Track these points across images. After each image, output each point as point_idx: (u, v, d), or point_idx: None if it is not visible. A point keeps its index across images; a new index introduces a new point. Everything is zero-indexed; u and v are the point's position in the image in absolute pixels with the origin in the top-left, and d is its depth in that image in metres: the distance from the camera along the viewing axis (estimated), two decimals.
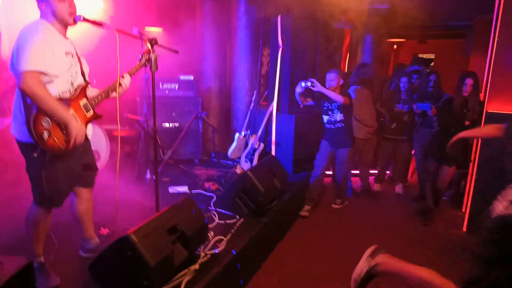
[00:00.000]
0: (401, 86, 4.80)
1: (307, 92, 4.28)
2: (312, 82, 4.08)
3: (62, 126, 2.24)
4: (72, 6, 2.32)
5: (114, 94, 2.59)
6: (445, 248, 3.75)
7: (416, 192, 5.03)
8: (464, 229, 4.11)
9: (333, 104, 4.22)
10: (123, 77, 2.61)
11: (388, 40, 11.00)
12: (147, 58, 2.69)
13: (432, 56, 13.00)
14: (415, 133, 4.87)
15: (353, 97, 4.69)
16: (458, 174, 4.66)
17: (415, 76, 4.95)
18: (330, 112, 4.28)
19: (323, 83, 4.16)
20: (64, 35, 2.37)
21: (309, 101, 4.40)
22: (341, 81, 4.23)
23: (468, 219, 4.08)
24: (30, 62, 2.09)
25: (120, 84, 2.58)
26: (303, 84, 4.14)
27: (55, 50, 2.21)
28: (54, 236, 2.75)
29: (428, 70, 5.40)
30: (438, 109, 4.26)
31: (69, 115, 2.26)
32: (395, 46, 12.06)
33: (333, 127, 4.30)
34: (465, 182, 4.63)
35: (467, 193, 4.36)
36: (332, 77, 4.18)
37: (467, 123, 3.99)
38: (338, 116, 4.23)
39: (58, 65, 2.24)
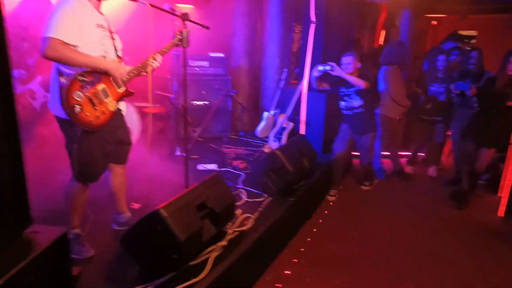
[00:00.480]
0: (438, 65, 4.56)
1: (325, 76, 4.12)
2: (331, 66, 3.91)
3: (94, 100, 2.28)
4: None
5: (144, 73, 2.60)
6: (480, 232, 3.62)
7: (451, 175, 4.85)
8: (501, 214, 3.95)
9: (350, 89, 4.05)
10: (154, 58, 2.60)
11: (426, 15, 10.47)
12: (179, 37, 2.69)
13: (474, 33, 12.29)
14: (454, 114, 4.65)
15: (383, 76, 4.53)
16: (496, 157, 4.44)
17: (455, 53, 4.69)
18: (346, 98, 4.14)
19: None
20: (98, 9, 2.39)
21: (326, 86, 4.24)
22: (359, 65, 4.04)
23: (506, 204, 3.91)
24: (55, 30, 2.11)
25: (152, 62, 2.58)
26: (320, 67, 3.97)
27: (84, 22, 2.23)
28: (90, 209, 2.85)
29: (467, 47, 5.09)
30: (478, 89, 4.03)
31: (104, 61, 2.32)
32: (434, 22, 11.48)
33: (351, 113, 4.17)
34: (503, 165, 4.42)
35: (503, 177, 4.16)
36: (348, 61, 4.00)
37: (509, 103, 3.76)
38: (356, 102, 4.08)
39: (87, 37, 2.25)
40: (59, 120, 2.34)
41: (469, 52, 4.52)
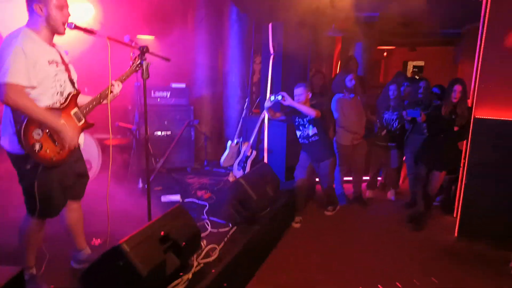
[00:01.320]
0: (389, 94, 4.84)
1: (279, 106, 4.21)
2: (282, 96, 3.98)
3: (54, 136, 2.23)
4: (67, 15, 2.30)
5: (105, 101, 2.55)
6: (437, 253, 3.78)
7: (407, 198, 5.07)
8: (456, 234, 4.14)
9: (304, 119, 4.19)
10: (112, 85, 2.57)
11: (378, 47, 11.13)
12: (137, 63, 2.65)
13: (422, 63, 13.19)
14: (406, 140, 4.91)
15: (335, 105, 4.71)
16: (448, 179, 4.71)
17: (405, 84, 5.01)
18: (301, 127, 4.27)
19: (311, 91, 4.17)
20: (50, 43, 2.32)
21: (279, 116, 4.32)
22: (310, 94, 4.17)
23: (459, 224, 4.12)
24: (10, 74, 2.04)
25: (111, 91, 2.55)
26: (272, 98, 4.02)
27: (36, 60, 2.15)
28: (45, 247, 2.72)
29: (416, 77, 5.47)
30: (427, 115, 4.32)
31: (59, 123, 2.26)
32: (385, 54, 12.20)
33: (307, 142, 4.29)
34: (455, 187, 4.69)
35: (457, 198, 4.40)
36: (300, 92, 4.11)
37: (456, 128, 4.05)
38: (311, 130, 4.21)
39: (41, 75, 2.19)
40: (12, 156, 2.27)
41: (417, 82, 4.86)
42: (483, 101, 3.91)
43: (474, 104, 3.96)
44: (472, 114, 3.95)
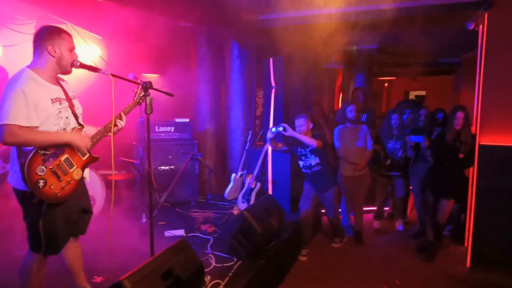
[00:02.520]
0: (392, 123, 4.85)
1: (280, 137, 4.25)
2: (284, 127, 4.02)
3: (58, 172, 2.24)
4: (76, 56, 2.38)
5: (110, 134, 2.57)
6: (450, 285, 3.64)
7: (416, 228, 4.95)
8: (468, 264, 4.01)
9: (306, 149, 4.20)
10: (119, 118, 2.60)
11: (379, 78, 11.31)
12: (140, 96, 2.68)
13: (423, 93, 13.34)
14: (410, 168, 4.86)
15: (335, 136, 4.71)
16: (457, 207, 4.62)
17: (407, 111, 5.02)
18: (303, 157, 4.26)
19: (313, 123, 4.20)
20: (53, 81, 2.36)
21: (282, 147, 4.34)
22: (311, 125, 4.20)
23: (471, 254, 4.00)
24: (9, 116, 2.08)
25: (116, 125, 2.57)
26: (273, 129, 4.07)
27: (37, 101, 2.18)
28: (45, 286, 2.66)
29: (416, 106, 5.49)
30: (431, 143, 4.30)
31: (66, 134, 2.29)
32: (386, 84, 12.36)
33: (310, 172, 4.27)
34: (465, 216, 4.58)
35: (467, 227, 4.30)
36: (301, 123, 4.16)
37: (461, 156, 4.01)
38: (313, 160, 4.21)
39: (43, 116, 2.22)
40: (18, 192, 2.27)
41: (418, 110, 4.88)
42: (487, 128, 3.90)
43: (478, 131, 3.95)
44: (477, 141, 3.93)
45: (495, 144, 3.82)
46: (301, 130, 4.14)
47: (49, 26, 2.34)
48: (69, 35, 2.37)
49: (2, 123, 2.07)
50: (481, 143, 3.89)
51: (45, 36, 2.28)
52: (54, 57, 2.29)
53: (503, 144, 3.80)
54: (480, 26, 4.02)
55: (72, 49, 2.36)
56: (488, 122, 3.90)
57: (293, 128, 4.12)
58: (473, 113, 4.15)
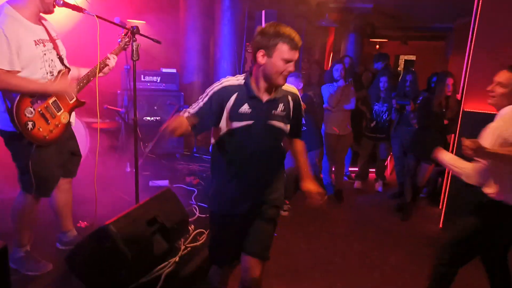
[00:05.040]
0: (380, 85, 4.85)
1: None
2: None
3: (46, 115, 2.19)
4: None
5: (102, 73, 2.53)
6: (421, 242, 3.84)
7: (394, 189, 5.12)
8: (441, 225, 4.21)
9: None
10: (108, 58, 2.52)
11: (371, 40, 11.16)
12: (126, 41, 2.62)
13: (413, 57, 13.29)
14: (393, 131, 4.93)
15: (322, 94, 4.73)
16: (435, 171, 4.77)
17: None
18: None
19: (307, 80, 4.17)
20: (35, 21, 2.23)
21: None
22: (301, 85, 4.16)
23: (444, 216, 4.19)
24: None
25: (106, 64, 2.51)
26: None
27: (20, 43, 2.08)
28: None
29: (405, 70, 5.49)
30: (417, 108, 4.34)
31: (51, 84, 2.23)
32: (377, 46, 12.24)
33: None
34: (442, 180, 4.75)
35: (443, 191, 4.47)
36: (290, 82, 4.12)
37: (446, 121, 4.08)
38: None
39: (27, 58, 2.13)
40: (5, 133, 2.22)
41: (405, 75, 4.87)
42: (472, 95, 3.95)
43: (463, 97, 4.00)
44: (461, 107, 3.99)
45: (478, 111, 3.89)
46: None
47: None
48: None
49: None
50: (465, 110, 3.95)
51: None
52: None
53: (486, 111, 3.86)
54: None
55: None
56: (473, 89, 3.94)
57: None
58: (461, 80, 4.18)
